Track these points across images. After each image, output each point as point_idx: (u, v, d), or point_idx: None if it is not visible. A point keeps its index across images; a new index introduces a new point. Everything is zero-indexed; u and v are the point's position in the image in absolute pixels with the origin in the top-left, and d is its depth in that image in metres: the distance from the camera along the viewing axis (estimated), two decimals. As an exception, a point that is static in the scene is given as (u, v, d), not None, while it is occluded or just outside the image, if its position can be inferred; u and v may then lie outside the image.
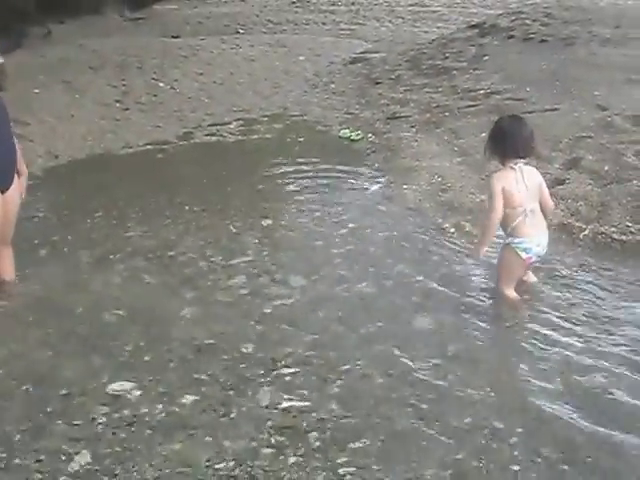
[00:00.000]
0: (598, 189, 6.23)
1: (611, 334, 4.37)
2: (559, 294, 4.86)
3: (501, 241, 4.81)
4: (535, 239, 4.62)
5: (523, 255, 4.62)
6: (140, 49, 13.24)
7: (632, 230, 5.59)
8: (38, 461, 3.39)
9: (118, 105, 10.13)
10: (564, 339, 4.32)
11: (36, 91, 10.03)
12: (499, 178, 4.59)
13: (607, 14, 12.53)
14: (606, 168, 6.51)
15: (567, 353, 4.16)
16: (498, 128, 4.71)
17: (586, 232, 5.68)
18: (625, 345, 4.25)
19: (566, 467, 3.27)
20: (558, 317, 4.57)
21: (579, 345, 4.24)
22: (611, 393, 3.80)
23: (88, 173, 7.83)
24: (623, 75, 9.06)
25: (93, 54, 12.80)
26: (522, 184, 4.58)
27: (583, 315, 4.59)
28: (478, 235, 4.47)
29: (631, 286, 5.01)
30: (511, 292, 4.71)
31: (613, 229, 5.65)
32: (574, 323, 4.50)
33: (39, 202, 6.88)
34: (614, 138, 7.13)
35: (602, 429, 3.51)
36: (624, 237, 5.54)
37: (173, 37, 16.51)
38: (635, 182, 6.16)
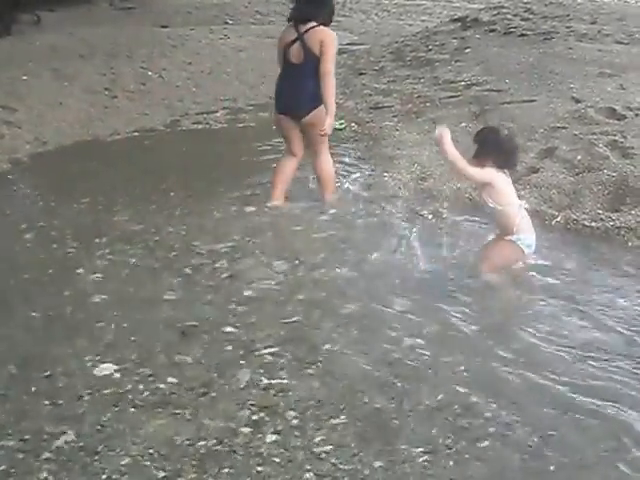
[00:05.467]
0: (571, 177, 6.38)
1: (582, 314, 4.51)
2: (532, 278, 4.99)
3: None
4: (534, 236, 4.84)
5: (527, 250, 4.80)
6: (129, 38, 13.23)
7: (602, 217, 5.73)
8: (22, 440, 3.41)
9: (106, 93, 10.14)
10: (537, 320, 4.46)
11: (25, 78, 10.03)
12: (489, 172, 4.71)
13: (584, 10, 12.73)
14: (579, 157, 6.66)
15: (540, 334, 4.29)
16: (511, 144, 4.84)
17: (558, 219, 5.82)
18: (594, 325, 4.40)
19: (535, 439, 3.37)
20: (531, 300, 4.74)
21: (551, 326, 4.38)
22: (582, 370, 3.92)
23: (76, 159, 7.86)
24: (597, 69, 9.23)
25: (82, 42, 12.76)
26: (511, 186, 4.80)
27: (555, 297, 4.73)
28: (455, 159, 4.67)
29: (604, 269, 5.18)
30: (492, 276, 4.85)
31: (584, 216, 5.80)
32: (547, 305, 4.65)
33: (26, 188, 6.99)
34: (587, 129, 7.29)
35: (571, 405, 3.63)
36: (594, 224, 5.68)
37: (162, 27, 16.49)
38: (606, 171, 6.31)
